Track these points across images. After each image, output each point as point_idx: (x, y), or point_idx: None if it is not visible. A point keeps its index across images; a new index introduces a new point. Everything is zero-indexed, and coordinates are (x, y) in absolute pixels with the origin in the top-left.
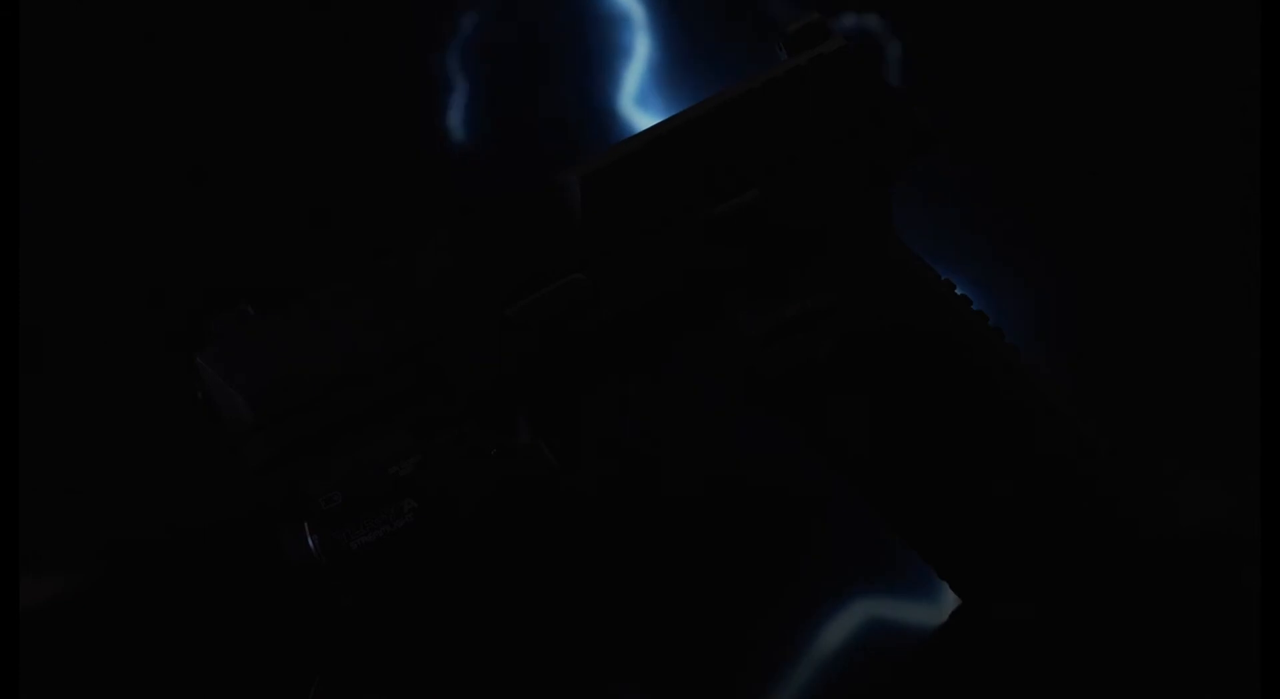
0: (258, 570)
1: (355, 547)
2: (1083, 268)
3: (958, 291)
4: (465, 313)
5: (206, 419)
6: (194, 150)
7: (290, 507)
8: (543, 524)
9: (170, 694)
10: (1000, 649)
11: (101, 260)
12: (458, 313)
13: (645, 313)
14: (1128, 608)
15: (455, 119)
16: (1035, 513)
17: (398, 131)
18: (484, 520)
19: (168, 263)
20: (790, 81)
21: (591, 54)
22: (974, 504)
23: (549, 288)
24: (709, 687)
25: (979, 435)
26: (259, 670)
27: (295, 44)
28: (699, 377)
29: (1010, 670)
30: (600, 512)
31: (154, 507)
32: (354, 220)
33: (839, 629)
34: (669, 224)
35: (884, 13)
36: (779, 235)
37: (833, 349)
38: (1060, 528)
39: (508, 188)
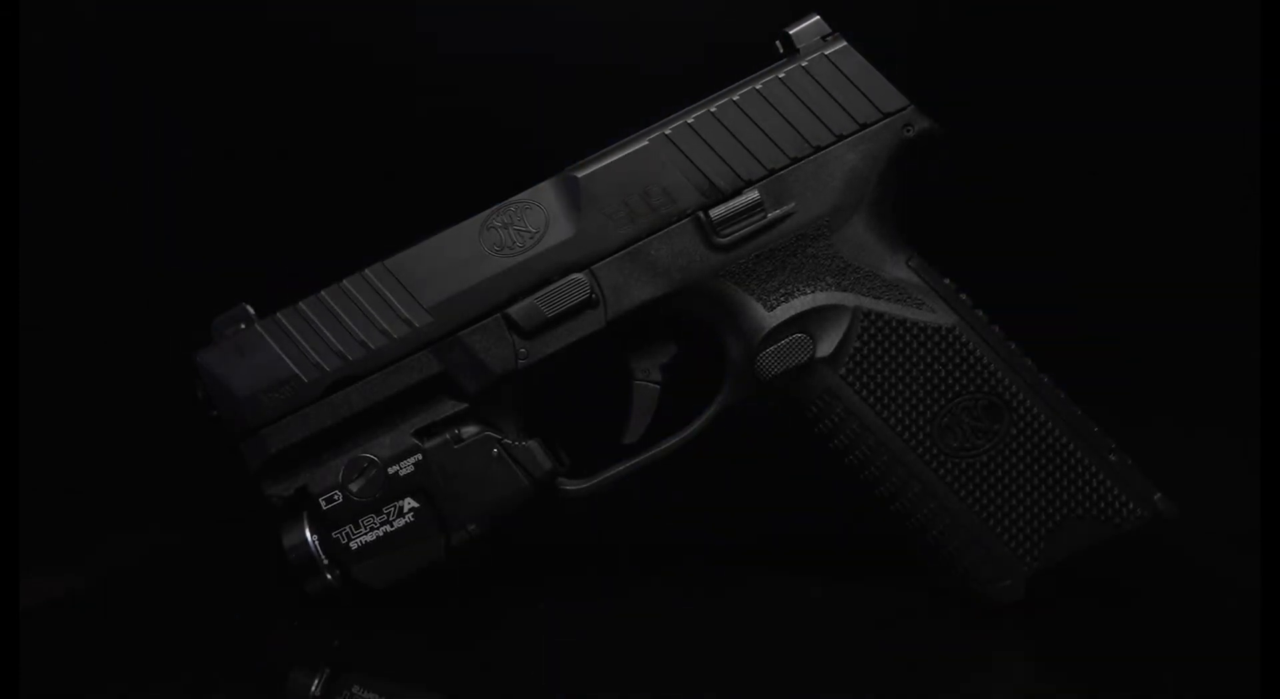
0: (258, 570)
1: (355, 546)
2: (1084, 267)
3: (959, 291)
4: (466, 313)
5: (207, 419)
6: (194, 150)
7: (290, 506)
8: (541, 523)
9: (170, 693)
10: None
11: (102, 260)
12: (458, 313)
13: (645, 312)
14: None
15: (457, 119)
16: (1029, 504)
17: (399, 131)
18: (483, 520)
19: (168, 262)
20: (792, 81)
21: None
22: (970, 497)
23: (549, 287)
24: (706, 685)
25: (978, 433)
26: (259, 669)
27: (296, 44)
28: (699, 374)
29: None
30: (598, 511)
31: (154, 507)
32: (353, 220)
33: (835, 620)
34: (668, 223)
35: (888, 12)
36: (779, 235)
37: (832, 347)
38: (1053, 518)
39: (507, 187)
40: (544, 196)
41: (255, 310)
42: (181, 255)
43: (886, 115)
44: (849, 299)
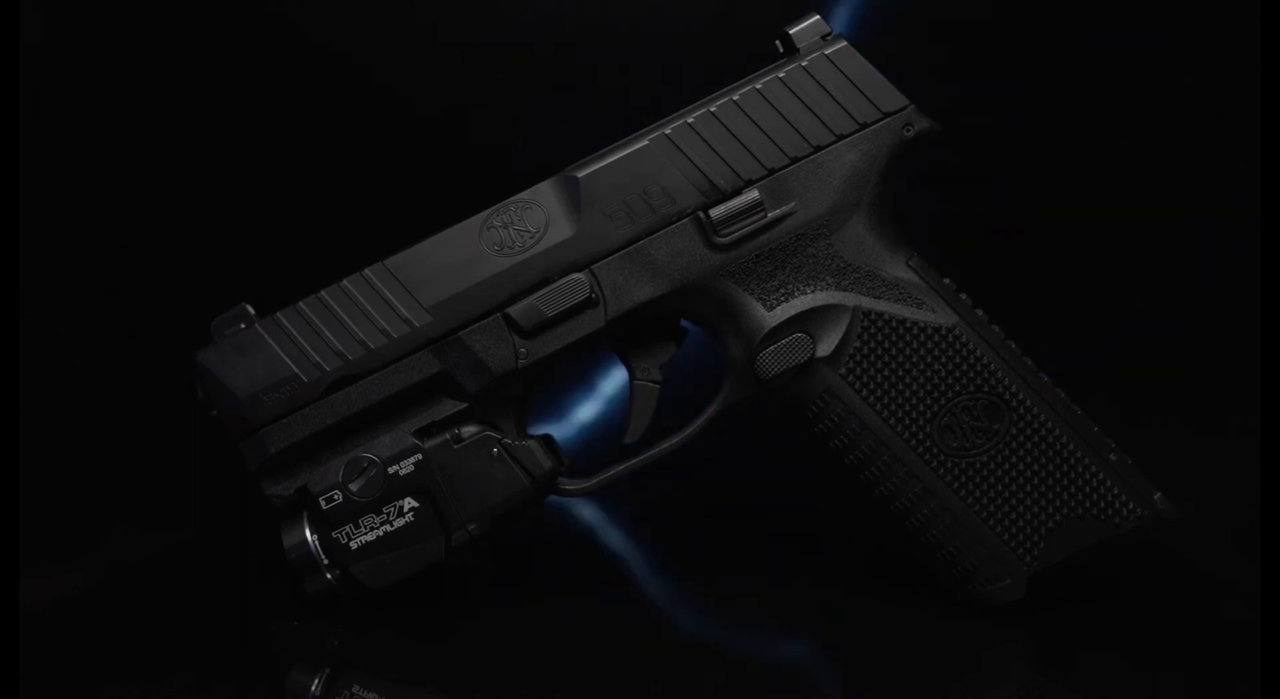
0: (258, 570)
1: (355, 546)
2: (1084, 267)
3: (959, 290)
4: (466, 313)
5: (207, 418)
6: (194, 150)
7: (290, 506)
8: (542, 523)
9: (170, 693)
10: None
11: (102, 260)
12: (458, 313)
13: (644, 312)
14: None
15: (458, 119)
16: (1029, 503)
17: (399, 131)
18: (483, 519)
19: (168, 263)
20: (792, 81)
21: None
22: (970, 497)
23: (549, 287)
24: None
25: (978, 432)
26: (259, 669)
27: (297, 44)
28: (699, 374)
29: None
30: (597, 510)
31: (154, 506)
32: (354, 220)
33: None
34: (668, 223)
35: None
36: (779, 235)
37: (832, 346)
38: (1053, 518)
39: (507, 187)
40: (544, 196)
41: (255, 310)
42: (181, 255)
43: (886, 115)
44: (849, 299)
